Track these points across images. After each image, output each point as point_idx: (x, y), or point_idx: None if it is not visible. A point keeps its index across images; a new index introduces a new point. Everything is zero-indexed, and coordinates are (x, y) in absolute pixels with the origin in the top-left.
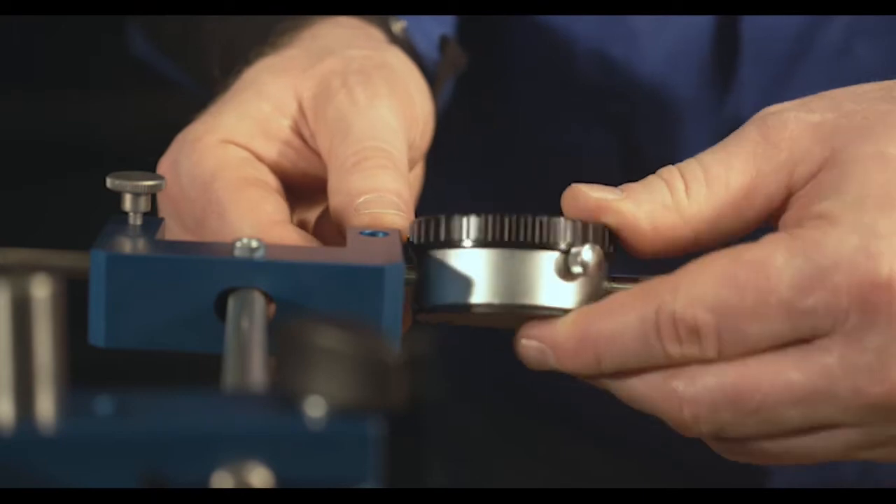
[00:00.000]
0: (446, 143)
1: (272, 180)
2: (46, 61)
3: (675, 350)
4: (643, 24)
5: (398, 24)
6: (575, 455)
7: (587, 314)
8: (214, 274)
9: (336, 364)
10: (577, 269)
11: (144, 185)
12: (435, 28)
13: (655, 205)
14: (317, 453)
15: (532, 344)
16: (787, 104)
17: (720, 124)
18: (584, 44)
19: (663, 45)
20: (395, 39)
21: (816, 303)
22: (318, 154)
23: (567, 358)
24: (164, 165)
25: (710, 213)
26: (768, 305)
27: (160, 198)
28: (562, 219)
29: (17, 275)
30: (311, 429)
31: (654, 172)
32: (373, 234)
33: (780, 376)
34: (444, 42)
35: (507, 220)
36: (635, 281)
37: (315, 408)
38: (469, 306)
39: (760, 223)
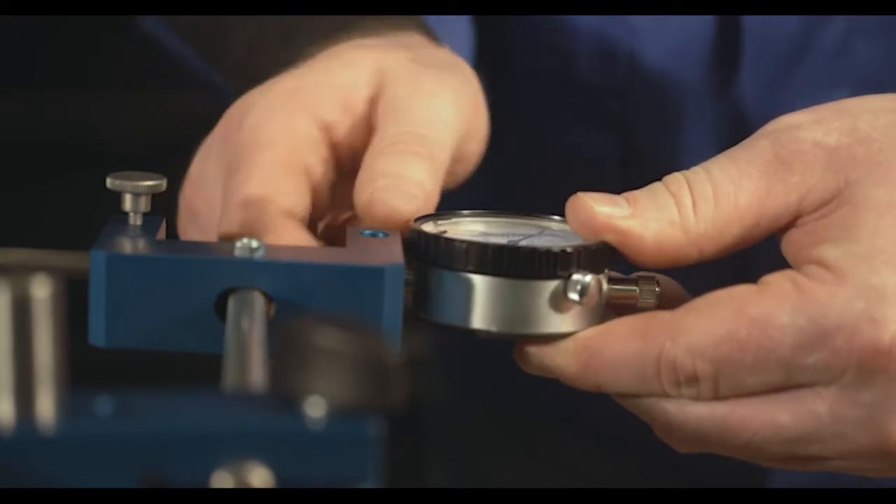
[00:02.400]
0: None
1: (320, 171)
2: (46, 61)
3: (672, 391)
4: (644, 23)
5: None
6: (575, 455)
7: (588, 346)
8: (214, 274)
9: (336, 364)
10: (575, 297)
11: (144, 185)
12: (458, 30)
13: (662, 223)
14: (317, 453)
15: (537, 370)
16: (801, 117)
17: (720, 123)
18: (584, 43)
19: (664, 45)
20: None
21: (816, 361)
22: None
23: (570, 382)
24: (238, 106)
25: (716, 233)
26: (768, 362)
27: (214, 133)
28: (559, 248)
29: (17, 275)
30: (311, 429)
31: (653, 171)
32: (373, 234)
33: (770, 417)
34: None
35: (505, 251)
36: (634, 283)
37: (315, 408)
38: (469, 330)
39: (763, 239)
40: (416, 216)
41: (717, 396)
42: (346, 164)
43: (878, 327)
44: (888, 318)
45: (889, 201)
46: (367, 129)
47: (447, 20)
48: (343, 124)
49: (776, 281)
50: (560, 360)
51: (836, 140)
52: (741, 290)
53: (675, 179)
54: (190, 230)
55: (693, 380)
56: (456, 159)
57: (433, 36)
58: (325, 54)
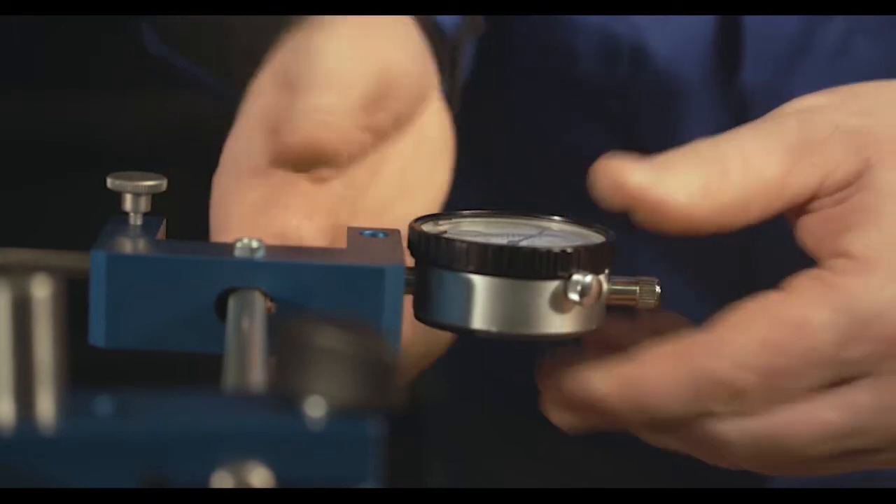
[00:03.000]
0: None
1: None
2: (46, 61)
3: (718, 408)
4: (645, 22)
5: None
6: (575, 455)
7: (628, 377)
8: (215, 274)
9: (336, 364)
10: (575, 297)
11: (144, 185)
12: None
13: (692, 193)
14: (317, 453)
15: (565, 416)
16: (822, 100)
17: (721, 123)
18: (585, 42)
19: (665, 44)
20: None
21: (857, 354)
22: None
23: (611, 414)
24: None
25: (741, 203)
26: (812, 363)
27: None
28: (559, 248)
29: (17, 275)
30: (311, 429)
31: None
32: (373, 234)
33: (817, 417)
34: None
35: (505, 251)
36: (634, 282)
37: (315, 408)
38: (469, 330)
39: (779, 212)
40: (338, 143)
41: (765, 407)
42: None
43: None
44: None
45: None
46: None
47: None
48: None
49: (804, 283)
50: (597, 392)
51: (858, 123)
52: (771, 298)
53: (709, 146)
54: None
55: (740, 393)
56: (381, 95)
57: None
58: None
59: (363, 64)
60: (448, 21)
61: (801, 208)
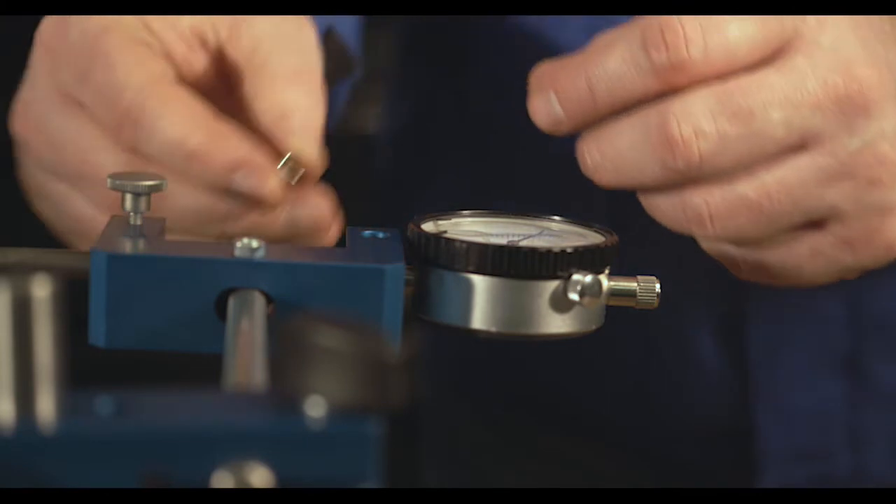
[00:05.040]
0: (443, 143)
1: (160, 48)
2: None
3: (661, 58)
4: None
5: None
6: (574, 455)
7: (581, 56)
8: (215, 274)
9: (336, 364)
10: (575, 297)
11: (144, 185)
12: (324, 21)
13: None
14: (317, 453)
15: (539, 97)
16: None
17: None
18: (575, 45)
19: None
20: None
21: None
22: (217, 66)
23: (565, 95)
24: (52, 18)
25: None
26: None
27: (35, 54)
28: (559, 248)
29: (17, 275)
30: (311, 429)
31: None
32: (373, 234)
33: (762, 80)
34: (326, 36)
35: (505, 251)
36: (634, 282)
37: (315, 408)
38: (469, 330)
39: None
40: (313, 154)
41: (706, 58)
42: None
43: None
44: None
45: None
46: (189, 47)
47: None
48: (164, 31)
49: None
50: (553, 71)
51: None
52: None
53: None
54: (27, 165)
55: (678, 36)
56: None
57: None
58: None
59: None
60: None
61: None
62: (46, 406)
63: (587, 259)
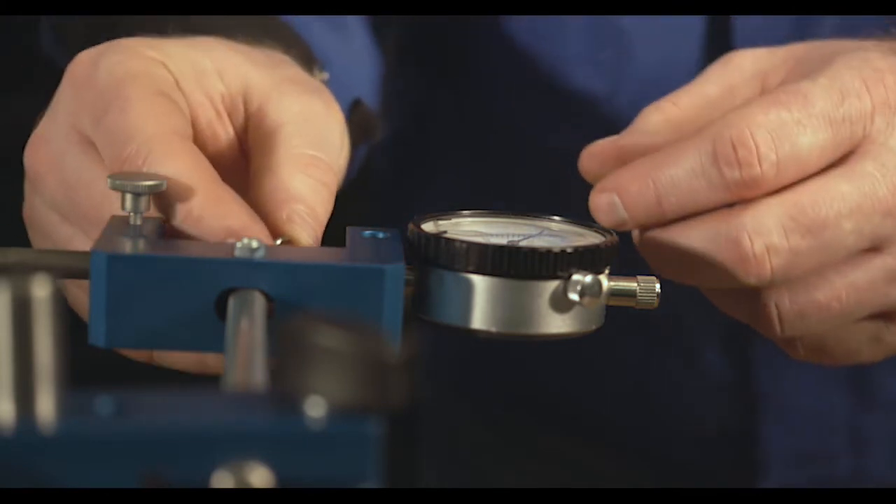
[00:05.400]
0: (443, 143)
1: (186, 110)
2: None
3: (733, 175)
4: (634, 27)
5: (321, 75)
6: (574, 455)
7: (649, 160)
8: (215, 274)
9: (336, 364)
10: (575, 297)
11: (145, 186)
12: (351, 90)
13: (652, 124)
14: (317, 453)
15: (602, 197)
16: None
17: None
18: (573, 48)
19: (655, 49)
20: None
21: (849, 109)
22: (232, 142)
23: (631, 201)
24: (85, 55)
25: (703, 113)
26: (811, 116)
27: (61, 88)
28: (559, 248)
29: (17, 275)
30: (311, 429)
31: None
32: (373, 234)
33: (833, 189)
34: (354, 106)
35: (505, 251)
36: (634, 282)
37: (315, 408)
38: (469, 330)
39: None
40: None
41: (779, 175)
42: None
43: (876, 66)
44: (882, 67)
45: (837, 46)
46: (214, 116)
47: (340, 47)
48: (194, 94)
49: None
50: (622, 179)
51: (771, 47)
52: (762, 94)
53: (648, 105)
54: (34, 201)
55: (752, 152)
56: None
57: (311, 60)
58: (191, 38)
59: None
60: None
61: None
62: (46, 406)
63: (587, 259)
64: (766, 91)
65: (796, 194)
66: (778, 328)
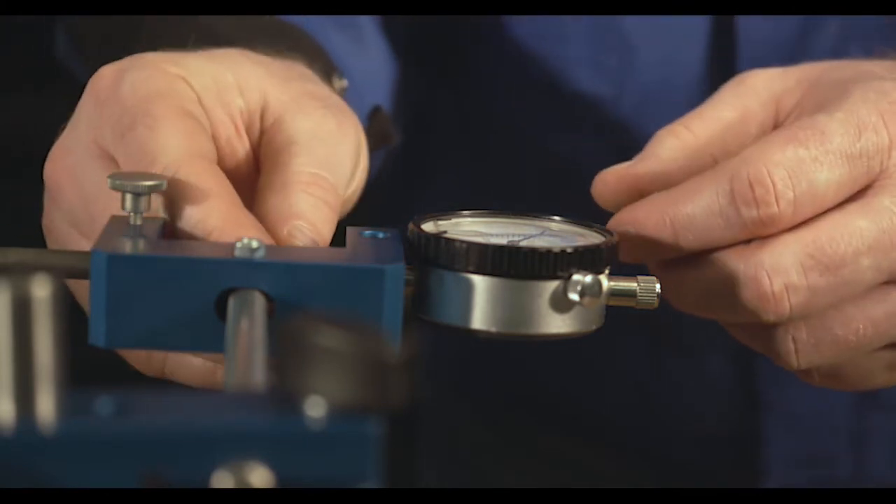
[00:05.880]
0: (443, 143)
1: (208, 128)
2: (46, 61)
3: (751, 214)
4: (637, 29)
5: (340, 83)
6: (574, 455)
7: (665, 196)
8: (215, 274)
9: (336, 364)
10: (575, 297)
11: (145, 185)
12: (370, 97)
13: (667, 150)
14: (317, 453)
15: (618, 231)
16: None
17: None
18: (577, 49)
19: (657, 50)
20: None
21: (866, 143)
22: (248, 155)
23: (645, 233)
24: (108, 70)
25: (717, 139)
26: (828, 152)
27: (83, 101)
28: (559, 248)
29: (17, 275)
30: (311, 429)
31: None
32: (373, 234)
33: (850, 226)
34: (374, 113)
35: (505, 251)
36: (634, 282)
37: (315, 408)
38: (469, 330)
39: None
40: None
41: (796, 212)
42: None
43: (891, 93)
44: (892, 89)
45: (854, 72)
46: (236, 137)
47: (357, 53)
48: (215, 112)
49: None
50: (639, 215)
51: (784, 68)
52: (779, 128)
53: (661, 129)
54: (53, 213)
55: (769, 191)
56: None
57: (330, 68)
58: (213, 52)
59: None
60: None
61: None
62: (46, 406)
63: (587, 259)
64: (780, 114)
65: (814, 231)
66: (795, 361)
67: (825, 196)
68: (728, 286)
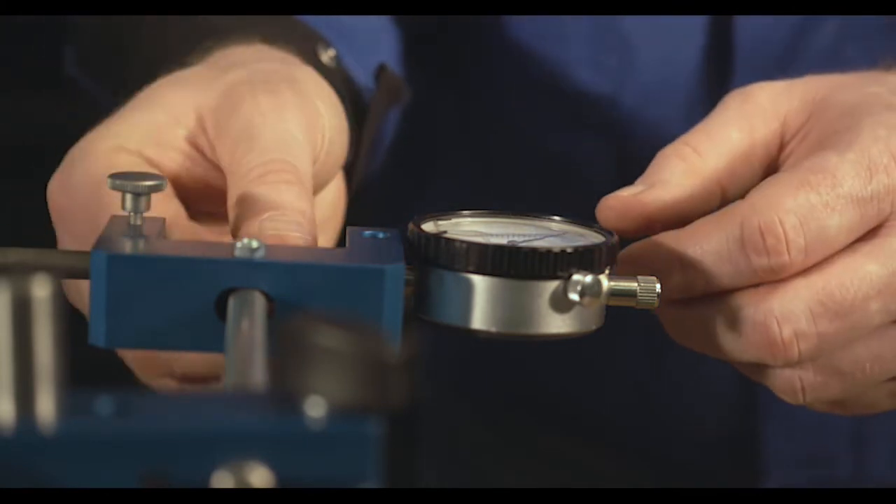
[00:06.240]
0: (443, 143)
1: (164, 178)
2: (46, 60)
3: (761, 262)
4: (636, 31)
5: (327, 54)
6: (574, 455)
7: (673, 239)
8: (215, 274)
9: (336, 364)
10: (575, 297)
11: (145, 186)
12: (375, 57)
13: (675, 176)
14: (317, 453)
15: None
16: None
17: None
18: (577, 50)
19: (656, 51)
20: (325, 69)
21: (877, 186)
22: (216, 165)
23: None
24: (55, 181)
25: (725, 163)
26: (839, 197)
27: (53, 219)
28: (559, 248)
29: (17, 275)
30: (311, 429)
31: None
32: (373, 235)
33: (860, 270)
34: (380, 71)
35: (505, 251)
36: (634, 282)
37: (315, 408)
38: (469, 330)
39: (764, 172)
40: (306, 242)
41: (807, 258)
42: (189, 191)
43: None
44: None
45: (858, 94)
46: (197, 160)
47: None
48: (163, 157)
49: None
50: (646, 255)
51: (789, 81)
52: (789, 168)
53: (669, 146)
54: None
55: (780, 239)
56: (314, 174)
57: (313, 41)
58: (138, 97)
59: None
60: (365, 86)
61: (777, 158)
62: (46, 406)
63: (587, 259)
64: (786, 135)
65: (824, 277)
66: (802, 399)
67: (836, 241)
68: (736, 329)
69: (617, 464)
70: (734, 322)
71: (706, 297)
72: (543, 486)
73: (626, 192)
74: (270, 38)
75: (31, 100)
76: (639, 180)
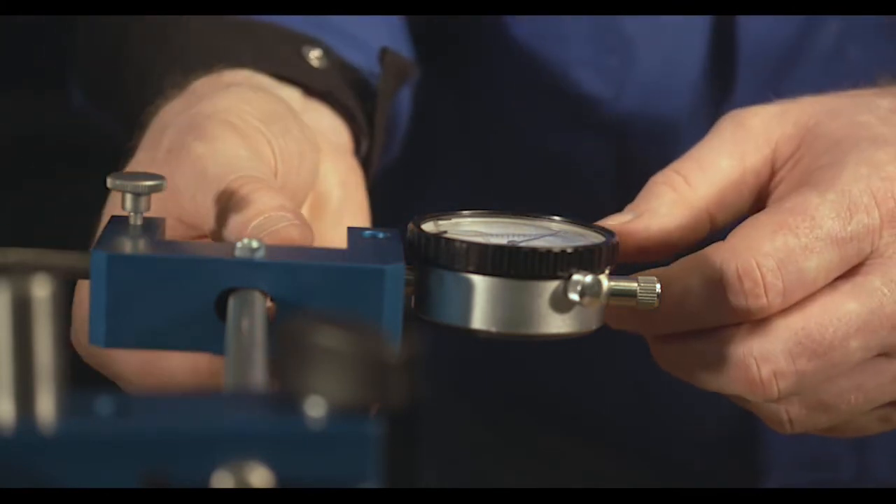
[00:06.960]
0: (443, 143)
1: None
2: (47, 60)
3: (740, 304)
4: (637, 31)
5: (313, 54)
6: (574, 455)
7: (661, 275)
8: (215, 274)
9: (336, 364)
10: (575, 297)
11: (145, 185)
12: (377, 40)
13: (664, 206)
14: (317, 453)
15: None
16: (751, 107)
17: None
18: (578, 51)
19: (658, 53)
20: (315, 73)
21: (856, 226)
22: (192, 224)
23: (640, 310)
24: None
25: (715, 193)
26: (818, 239)
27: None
28: (559, 248)
29: (17, 275)
30: (311, 429)
31: (647, 180)
32: (373, 235)
33: (839, 309)
34: (383, 54)
35: (505, 251)
36: (634, 282)
37: (315, 408)
38: (469, 330)
39: (755, 200)
40: (302, 235)
41: (785, 300)
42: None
43: (889, 181)
44: (892, 175)
45: (847, 121)
46: (177, 233)
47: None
48: (181, 223)
49: (797, 189)
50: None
51: (783, 106)
52: (769, 208)
53: (660, 173)
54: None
55: (758, 283)
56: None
57: (298, 44)
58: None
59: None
60: (369, 70)
61: (767, 185)
62: (46, 406)
63: (587, 259)
64: (777, 161)
65: (803, 317)
66: (790, 429)
67: (815, 282)
68: (718, 366)
69: (617, 464)
70: (717, 359)
71: (691, 333)
72: (543, 486)
73: (614, 221)
74: (257, 54)
75: (30, 100)
76: (628, 208)
